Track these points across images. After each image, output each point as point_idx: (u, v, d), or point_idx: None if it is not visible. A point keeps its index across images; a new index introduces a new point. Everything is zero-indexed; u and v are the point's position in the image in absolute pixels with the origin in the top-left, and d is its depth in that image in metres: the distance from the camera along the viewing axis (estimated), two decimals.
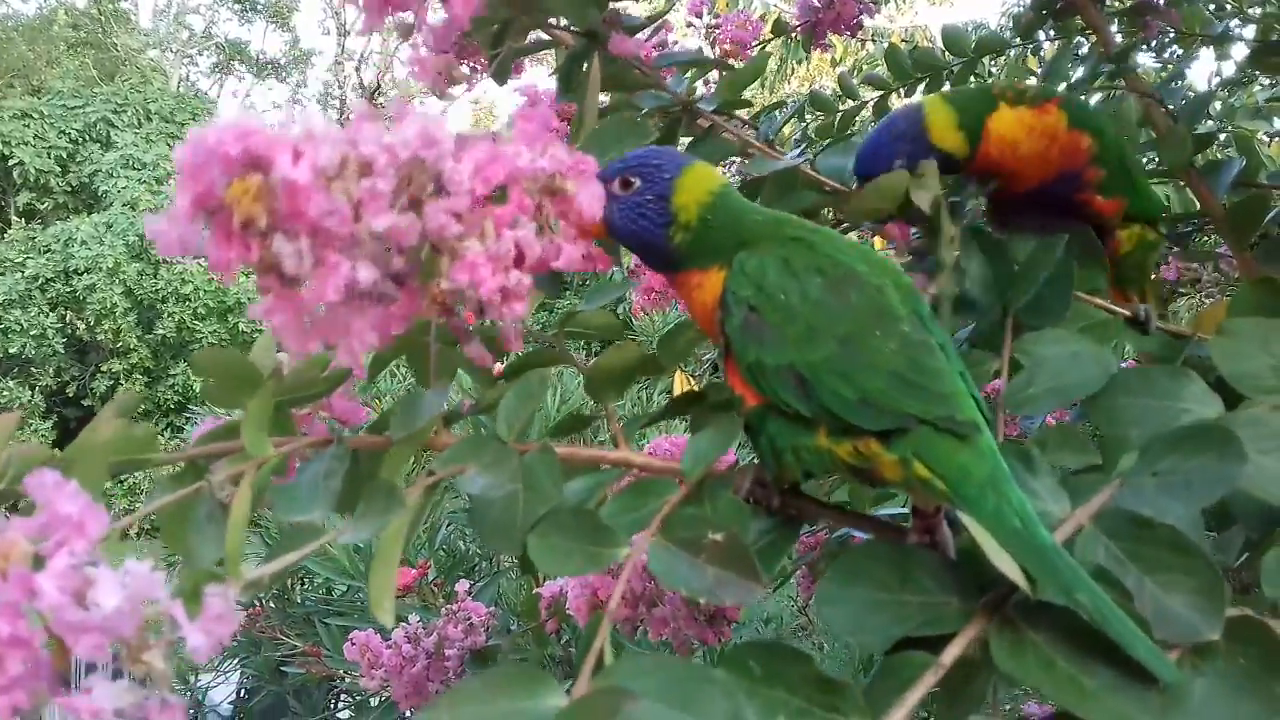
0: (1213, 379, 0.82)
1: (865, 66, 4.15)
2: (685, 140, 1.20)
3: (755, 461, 0.77)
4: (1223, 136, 2.17)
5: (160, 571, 0.47)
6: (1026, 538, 0.63)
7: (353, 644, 1.68)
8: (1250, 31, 2.02)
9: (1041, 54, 2.23)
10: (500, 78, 1.09)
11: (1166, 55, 2.23)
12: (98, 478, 0.63)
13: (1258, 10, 2.05)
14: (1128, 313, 1.04)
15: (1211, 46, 1.94)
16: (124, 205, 17.24)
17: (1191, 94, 1.65)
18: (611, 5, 1.03)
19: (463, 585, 1.82)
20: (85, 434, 0.69)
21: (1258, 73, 2.32)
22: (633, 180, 0.74)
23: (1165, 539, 0.64)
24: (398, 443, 0.66)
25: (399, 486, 0.62)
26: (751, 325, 0.71)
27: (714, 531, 0.63)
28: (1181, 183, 1.59)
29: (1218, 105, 2.21)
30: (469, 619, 1.74)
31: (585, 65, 1.04)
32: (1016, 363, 0.90)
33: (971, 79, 2.07)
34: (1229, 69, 2.32)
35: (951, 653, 0.60)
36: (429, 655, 1.60)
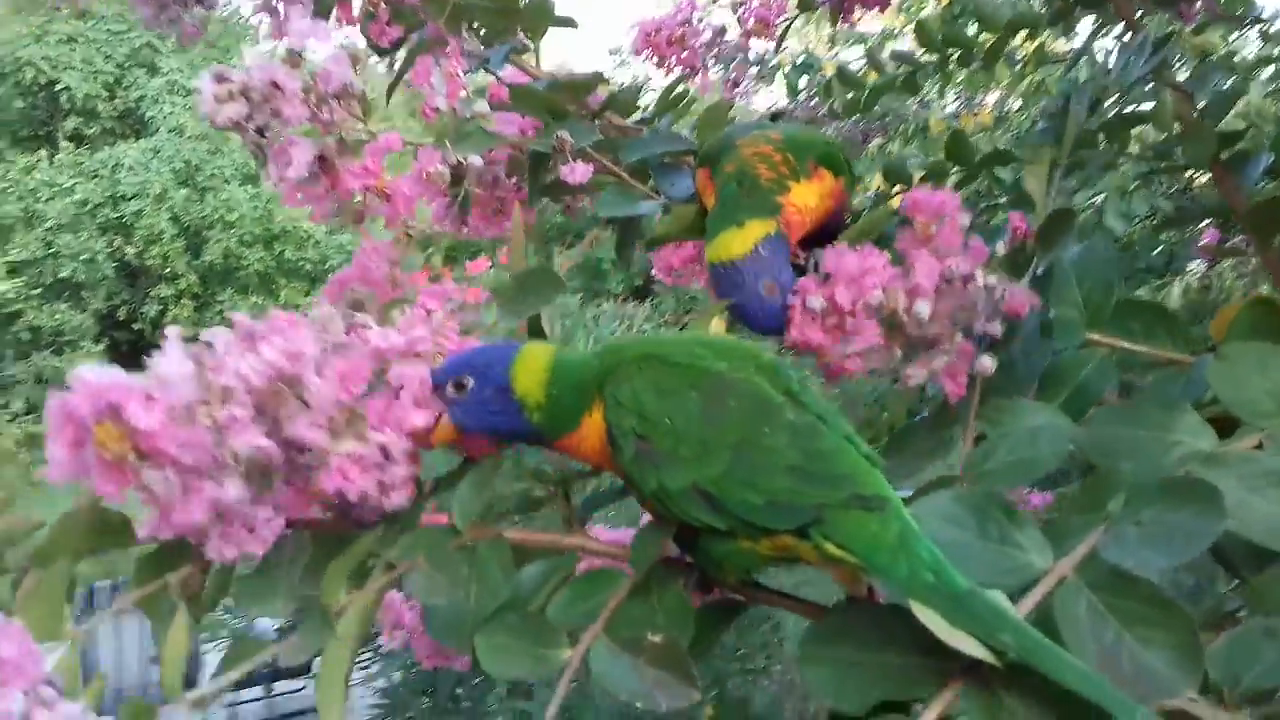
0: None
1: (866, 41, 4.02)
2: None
3: None
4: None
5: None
6: (943, 590, 0.64)
7: None
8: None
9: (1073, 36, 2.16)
10: None
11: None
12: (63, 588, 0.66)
13: None
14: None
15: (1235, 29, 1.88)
16: (170, 131, 17.36)
17: (1222, 86, 1.60)
18: (558, 133, 1.01)
19: None
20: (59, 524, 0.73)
21: None
22: (466, 381, 0.75)
23: (1145, 594, 0.65)
24: (360, 541, 0.68)
25: (331, 614, 0.64)
26: (645, 454, 0.71)
27: (655, 631, 0.65)
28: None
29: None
30: None
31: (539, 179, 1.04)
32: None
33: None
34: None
35: (927, 718, 0.61)
36: None
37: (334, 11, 1.06)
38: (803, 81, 2.90)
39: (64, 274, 16.75)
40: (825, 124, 2.29)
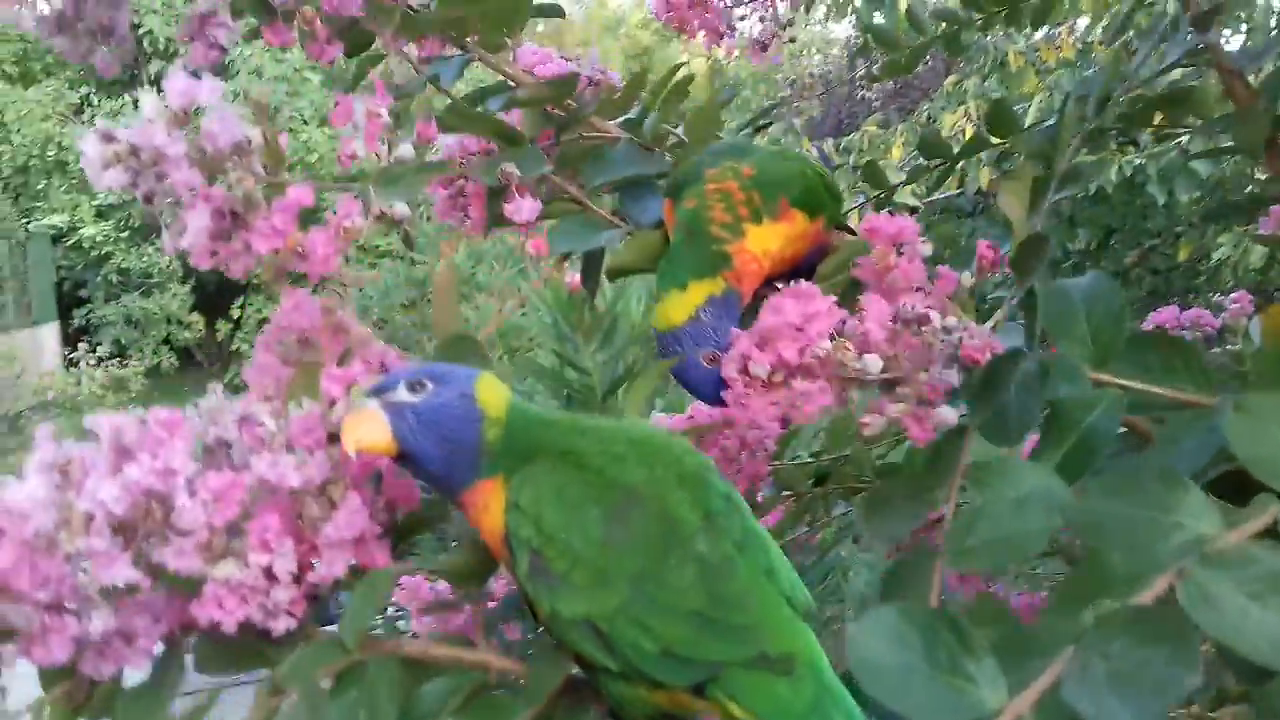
0: None
1: None
2: None
3: None
4: None
5: None
6: None
7: None
8: None
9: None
10: None
11: None
12: None
13: None
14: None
15: None
16: (250, 73, 17.48)
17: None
18: (502, 167, 0.91)
19: None
20: None
21: None
22: (424, 383, 0.68)
23: None
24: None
25: None
26: (539, 572, 0.64)
27: None
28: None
29: None
30: None
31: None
32: None
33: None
34: None
35: None
36: None
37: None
38: (877, 17, 2.73)
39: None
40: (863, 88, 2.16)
